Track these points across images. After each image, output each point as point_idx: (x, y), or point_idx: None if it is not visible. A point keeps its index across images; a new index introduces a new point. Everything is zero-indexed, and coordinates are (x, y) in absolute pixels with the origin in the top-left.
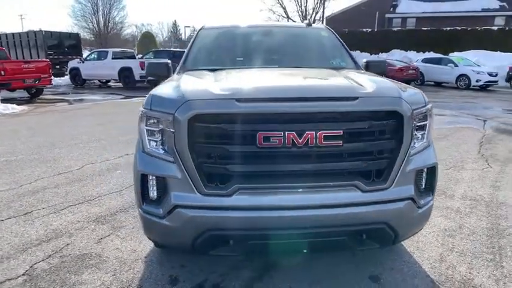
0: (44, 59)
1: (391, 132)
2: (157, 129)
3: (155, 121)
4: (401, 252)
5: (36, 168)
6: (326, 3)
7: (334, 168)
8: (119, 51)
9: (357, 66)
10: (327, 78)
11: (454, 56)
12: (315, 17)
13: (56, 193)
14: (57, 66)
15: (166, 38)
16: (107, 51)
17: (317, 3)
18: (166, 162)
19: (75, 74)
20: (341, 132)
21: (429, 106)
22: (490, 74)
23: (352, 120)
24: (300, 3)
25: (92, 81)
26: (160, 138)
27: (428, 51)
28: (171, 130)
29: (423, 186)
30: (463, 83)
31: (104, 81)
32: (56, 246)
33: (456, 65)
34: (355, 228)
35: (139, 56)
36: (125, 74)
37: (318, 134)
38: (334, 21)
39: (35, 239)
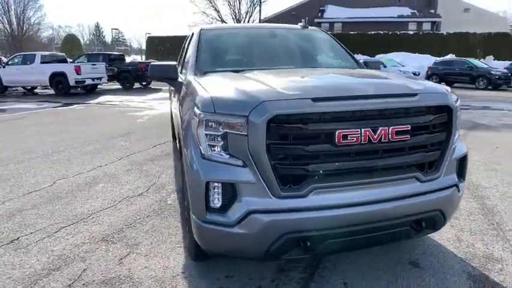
0: None
1: (443, 125)
2: (220, 133)
3: (217, 125)
4: (421, 237)
5: None
6: (258, 8)
7: (401, 162)
8: (48, 55)
9: (359, 65)
10: (373, 76)
11: (381, 57)
12: (248, 20)
13: (38, 214)
14: None
15: (88, 41)
16: (35, 55)
17: (249, 6)
18: (235, 167)
19: None
20: (409, 127)
21: (459, 101)
22: (414, 74)
23: (415, 115)
24: (233, 7)
25: (14, 89)
26: (222, 142)
27: (356, 54)
28: (243, 133)
29: (459, 172)
30: None
31: (29, 88)
32: (72, 274)
33: (385, 66)
34: (417, 217)
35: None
36: (58, 79)
37: (390, 130)
38: None
39: (41, 269)
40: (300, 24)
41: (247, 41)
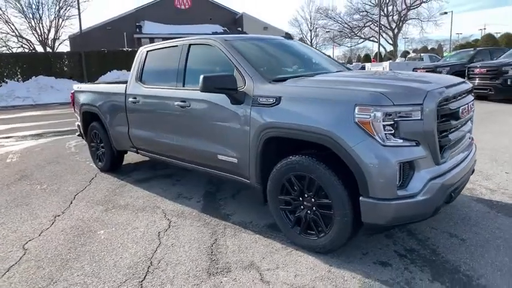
0: None
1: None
2: (392, 122)
3: (390, 115)
4: None
5: None
6: (64, 22)
7: (469, 128)
8: None
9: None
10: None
11: None
12: (54, 36)
13: (74, 284)
14: None
15: None
16: None
17: (53, 20)
18: (411, 147)
19: None
20: (473, 102)
21: None
22: None
23: (468, 94)
24: (31, 19)
25: None
26: (393, 130)
27: None
28: (418, 118)
29: None
30: None
31: None
32: None
33: None
34: (474, 166)
35: None
36: None
37: (471, 105)
38: (78, 41)
39: None
40: (281, 36)
41: (273, 49)
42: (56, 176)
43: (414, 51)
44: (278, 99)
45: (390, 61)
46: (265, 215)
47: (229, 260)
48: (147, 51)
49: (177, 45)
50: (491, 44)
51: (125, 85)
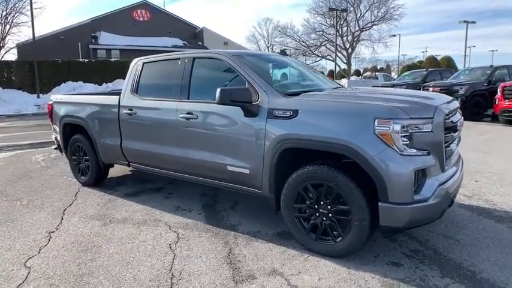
0: None
1: None
2: (407, 134)
3: (406, 127)
4: None
5: None
6: (11, 29)
7: (459, 141)
8: None
9: None
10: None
11: None
12: (0, 43)
13: None
14: None
15: None
16: None
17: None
18: (423, 156)
19: None
20: (462, 118)
21: None
22: None
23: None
24: None
25: None
26: (408, 141)
27: None
28: (429, 130)
29: None
30: None
31: None
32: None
33: None
34: None
35: None
36: None
37: (462, 119)
38: (27, 49)
39: None
40: (277, 52)
41: (275, 64)
42: (34, 191)
43: (365, 70)
44: (295, 112)
45: (345, 79)
46: (270, 224)
47: (250, 267)
48: (143, 63)
49: (179, 58)
50: (434, 65)
51: (117, 97)
